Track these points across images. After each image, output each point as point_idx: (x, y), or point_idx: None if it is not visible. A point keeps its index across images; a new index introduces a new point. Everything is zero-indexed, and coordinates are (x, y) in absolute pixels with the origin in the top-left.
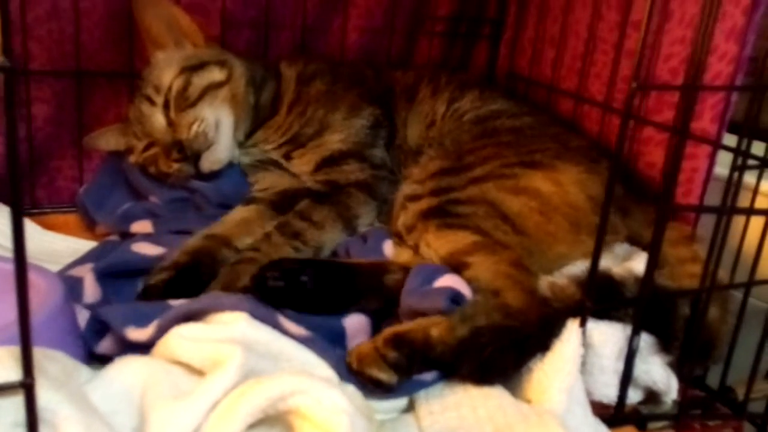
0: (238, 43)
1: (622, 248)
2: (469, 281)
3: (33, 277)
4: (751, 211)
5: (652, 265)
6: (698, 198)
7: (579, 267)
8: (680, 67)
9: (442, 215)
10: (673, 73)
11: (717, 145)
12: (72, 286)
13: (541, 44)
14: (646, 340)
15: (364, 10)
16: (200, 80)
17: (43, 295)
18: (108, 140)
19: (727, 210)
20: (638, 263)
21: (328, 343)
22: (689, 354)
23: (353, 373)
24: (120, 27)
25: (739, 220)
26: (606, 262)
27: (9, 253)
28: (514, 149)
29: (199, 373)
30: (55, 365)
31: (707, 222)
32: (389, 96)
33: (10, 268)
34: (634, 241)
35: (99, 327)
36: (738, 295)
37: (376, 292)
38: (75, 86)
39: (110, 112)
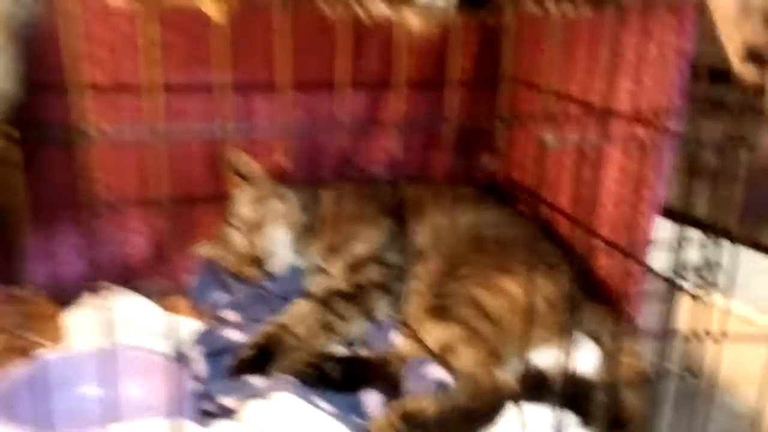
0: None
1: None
2: (454, 367)
3: (165, 362)
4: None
5: (566, 364)
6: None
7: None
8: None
9: (438, 310)
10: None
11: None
12: (189, 364)
13: (525, 158)
14: (572, 417)
15: (387, 134)
16: (266, 210)
17: (176, 375)
18: (207, 250)
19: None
20: (584, 355)
21: (350, 414)
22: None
23: None
24: (214, 164)
25: None
26: (556, 352)
27: (141, 337)
28: (495, 257)
29: None
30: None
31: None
32: (402, 208)
33: (154, 357)
34: (589, 333)
35: (206, 394)
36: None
37: (383, 378)
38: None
39: (207, 222)
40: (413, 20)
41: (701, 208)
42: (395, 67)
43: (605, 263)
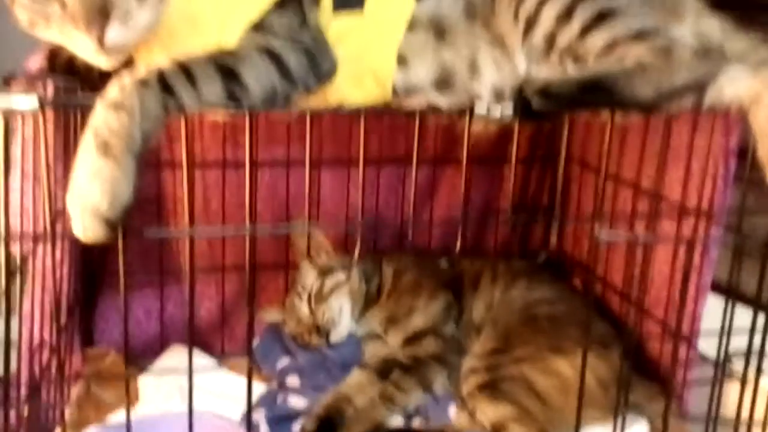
0: (355, 239)
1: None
2: None
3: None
4: None
5: None
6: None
7: None
8: None
9: (491, 389)
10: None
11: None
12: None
13: (579, 233)
14: None
15: (446, 205)
16: (330, 281)
17: None
18: (272, 315)
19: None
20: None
21: None
22: None
23: None
24: (281, 239)
25: None
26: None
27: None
28: (547, 335)
29: None
30: None
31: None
32: (460, 283)
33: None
34: (639, 412)
35: None
36: None
37: None
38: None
39: (273, 288)
40: (474, 126)
41: (750, 285)
42: (456, 145)
43: (656, 342)
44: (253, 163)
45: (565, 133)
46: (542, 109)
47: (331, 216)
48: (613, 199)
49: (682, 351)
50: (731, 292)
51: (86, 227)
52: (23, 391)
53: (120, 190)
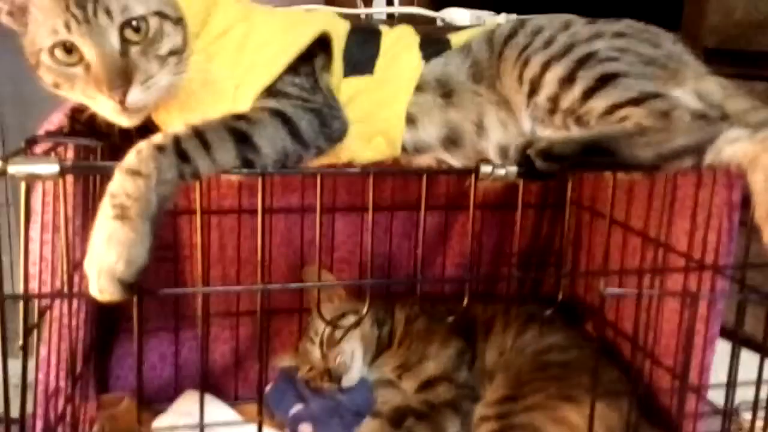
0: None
1: None
2: None
3: None
4: None
5: None
6: None
7: None
8: None
9: None
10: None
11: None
12: None
13: (591, 277)
14: None
15: (458, 250)
16: (341, 326)
17: None
18: (285, 360)
19: None
20: None
21: None
22: None
23: None
24: (295, 278)
25: None
26: None
27: None
28: (558, 383)
29: None
30: None
31: None
32: (472, 328)
33: None
34: None
35: None
36: None
37: None
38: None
39: (286, 334)
40: (480, 183)
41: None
42: (467, 195)
43: (666, 391)
44: (264, 221)
45: (569, 187)
46: (545, 170)
47: (344, 261)
48: (623, 247)
49: (691, 402)
50: (736, 344)
51: (102, 288)
52: None
53: (135, 253)
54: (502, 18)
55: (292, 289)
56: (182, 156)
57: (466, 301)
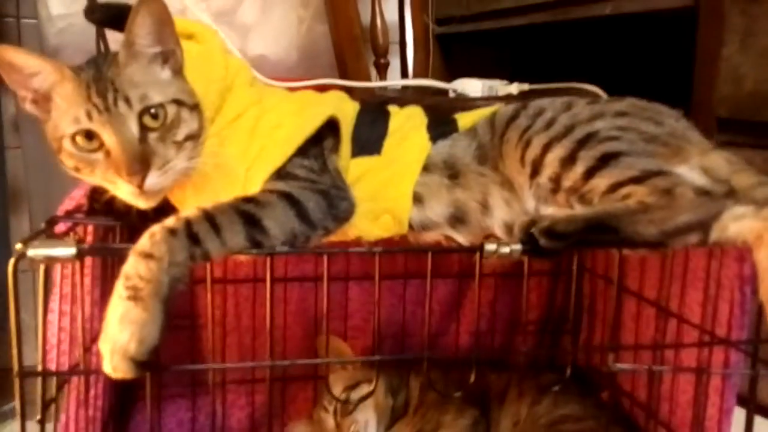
0: (383, 349)
1: None
2: None
3: None
4: None
5: None
6: None
7: None
8: None
9: None
10: None
11: None
12: None
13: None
14: None
15: (472, 318)
16: (355, 395)
17: None
18: (300, 429)
19: None
20: None
21: None
22: None
23: None
24: (310, 346)
25: None
26: None
27: None
28: None
29: None
30: None
31: None
32: (486, 396)
33: None
34: None
35: None
36: None
37: None
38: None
39: (301, 399)
40: (486, 261)
41: None
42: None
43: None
44: (276, 294)
45: (575, 261)
46: (550, 248)
47: (358, 329)
48: (637, 316)
49: None
50: (750, 413)
51: (115, 367)
52: None
53: (147, 332)
54: (514, 88)
55: (309, 349)
56: (193, 239)
57: (473, 377)
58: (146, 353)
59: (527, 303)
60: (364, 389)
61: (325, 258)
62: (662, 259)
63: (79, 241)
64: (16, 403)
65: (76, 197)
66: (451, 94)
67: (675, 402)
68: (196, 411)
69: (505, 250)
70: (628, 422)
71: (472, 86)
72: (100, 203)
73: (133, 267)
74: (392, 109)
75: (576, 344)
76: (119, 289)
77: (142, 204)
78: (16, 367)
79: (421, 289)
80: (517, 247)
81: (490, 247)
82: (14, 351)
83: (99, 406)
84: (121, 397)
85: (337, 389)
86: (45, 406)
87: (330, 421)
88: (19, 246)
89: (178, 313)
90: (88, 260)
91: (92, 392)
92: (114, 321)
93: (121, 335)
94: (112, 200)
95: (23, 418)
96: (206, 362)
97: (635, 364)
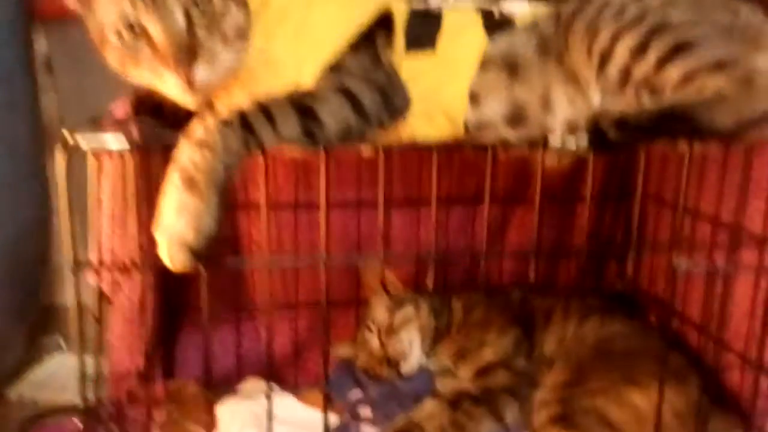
0: (425, 277)
1: None
2: None
3: None
4: None
5: None
6: None
7: None
8: None
9: (564, 420)
10: None
11: None
12: None
13: (656, 270)
14: None
15: (516, 245)
16: (400, 316)
17: None
18: (344, 350)
19: None
20: None
21: None
22: None
23: None
24: (352, 272)
25: None
26: None
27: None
28: (621, 369)
29: None
30: None
31: None
32: (531, 318)
33: None
34: None
35: None
36: None
37: None
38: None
39: (343, 326)
40: (548, 158)
41: None
42: (527, 182)
43: (735, 375)
44: (327, 196)
45: (642, 164)
46: (619, 141)
47: (401, 257)
48: (692, 232)
49: (763, 382)
50: None
51: (173, 256)
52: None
53: (204, 221)
54: None
55: (350, 275)
56: (248, 128)
57: (533, 275)
58: (204, 242)
59: (572, 230)
60: (409, 311)
61: (380, 151)
62: (722, 170)
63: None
64: (71, 301)
65: (118, 111)
66: (497, 16)
67: (729, 316)
68: (240, 336)
69: (571, 144)
70: (677, 341)
71: (519, 6)
72: (144, 109)
73: (188, 156)
74: (445, 8)
75: (624, 269)
76: (173, 179)
77: (190, 101)
78: (71, 259)
79: (464, 217)
80: (584, 140)
81: (555, 140)
82: (67, 243)
83: (148, 324)
84: (168, 321)
85: (381, 312)
86: (101, 302)
87: (375, 342)
88: (66, 135)
89: (219, 239)
90: (130, 171)
91: (143, 308)
92: (170, 210)
93: (178, 224)
94: (158, 105)
95: (80, 313)
96: (249, 287)
97: (699, 264)
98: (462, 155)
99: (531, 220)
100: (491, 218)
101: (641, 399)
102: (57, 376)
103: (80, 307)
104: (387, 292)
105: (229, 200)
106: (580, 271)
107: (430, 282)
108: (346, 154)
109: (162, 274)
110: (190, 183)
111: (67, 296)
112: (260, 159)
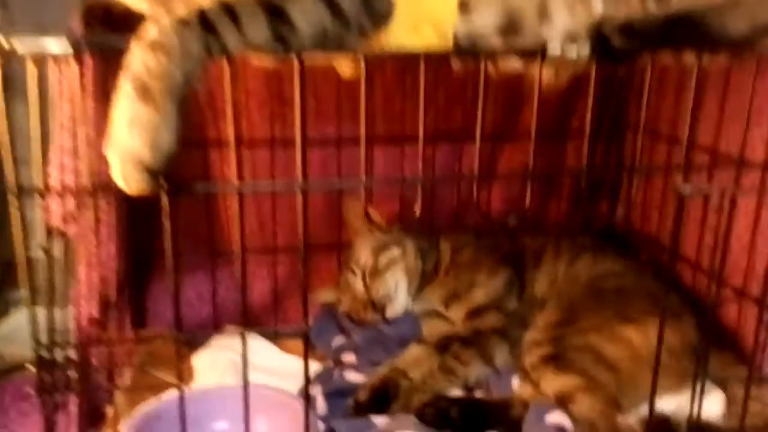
0: (411, 217)
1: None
2: (572, 414)
3: (293, 402)
4: None
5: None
6: None
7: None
8: None
9: (556, 360)
10: None
11: None
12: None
13: (649, 206)
14: None
15: (504, 184)
16: (384, 257)
17: (304, 413)
18: (326, 295)
19: None
20: (709, 401)
21: None
22: None
23: None
24: (333, 213)
25: None
26: (681, 400)
27: (264, 377)
28: (615, 306)
29: None
30: None
31: None
32: (521, 258)
33: (282, 396)
34: (714, 379)
35: None
36: None
37: (504, 422)
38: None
39: (325, 269)
40: (545, 73)
41: None
42: (516, 118)
43: (732, 310)
44: (304, 131)
45: (647, 86)
46: (623, 48)
47: (384, 197)
48: (689, 163)
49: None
50: None
51: (127, 177)
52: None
53: (161, 135)
54: None
55: (331, 217)
56: (208, 29)
57: (528, 201)
58: (161, 160)
59: (562, 168)
60: (394, 252)
61: (362, 61)
62: (721, 99)
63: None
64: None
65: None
66: None
67: (729, 251)
68: (216, 283)
69: (572, 52)
70: (671, 280)
71: None
72: (95, 19)
73: (140, 61)
74: None
75: (615, 207)
76: (125, 88)
77: (143, 3)
78: (13, 184)
79: (450, 154)
80: (585, 49)
81: (555, 48)
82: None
83: (112, 267)
84: (137, 268)
85: (365, 252)
86: (49, 233)
87: (358, 285)
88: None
89: (191, 179)
90: (89, 79)
91: (104, 251)
92: (121, 124)
93: (131, 139)
94: (109, 13)
95: (26, 238)
96: (223, 232)
97: (704, 187)
98: (448, 83)
99: (520, 158)
100: (479, 157)
101: (636, 335)
102: (24, 329)
103: (26, 240)
104: (372, 225)
105: (188, 111)
106: (572, 209)
107: (417, 209)
108: (323, 70)
109: (126, 210)
110: (143, 91)
111: (35, 248)
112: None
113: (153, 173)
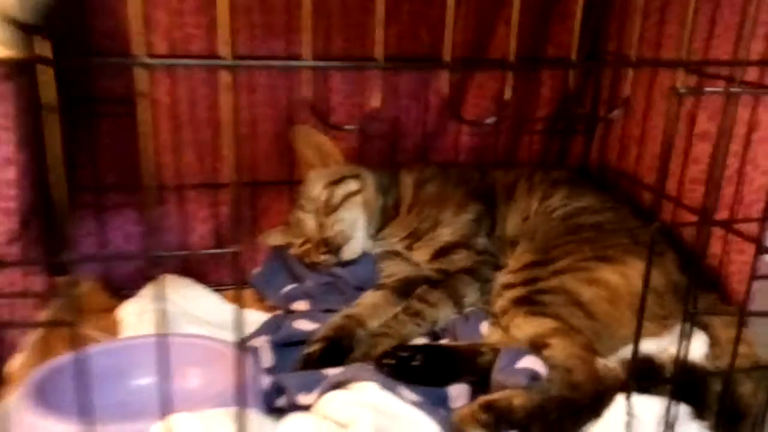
0: (370, 152)
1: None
2: (547, 359)
3: (227, 351)
4: None
5: (678, 352)
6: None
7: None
8: None
9: (529, 303)
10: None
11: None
12: (254, 354)
13: (627, 141)
14: (684, 409)
15: (474, 116)
16: (340, 191)
17: (239, 364)
18: (275, 238)
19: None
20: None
21: (435, 406)
22: (721, 424)
23: (455, 429)
24: (283, 145)
25: None
26: (663, 343)
27: (205, 329)
28: (591, 244)
29: (344, 427)
30: (253, 421)
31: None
32: (491, 193)
33: (215, 346)
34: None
35: (277, 387)
36: None
37: (472, 370)
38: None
39: (275, 211)
40: None
41: None
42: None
43: (717, 249)
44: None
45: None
46: None
47: (336, 122)
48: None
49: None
50: None
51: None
52: None
53: None
54: None
55: (281, 151)
56: None
57: (509, 94)
58: (34, 12)
59: (536, 100)
60: (351, 185)
61: None
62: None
63: None
64: None
65: None
66: None
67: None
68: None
69: None
70: (648, 215)
71: None
72: None
73: None
74: None
75: (590, 145)
76: None
77: None
78: None
79: (416, 81)
80: None
81: None
82: None
83: (12, 196)
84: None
85: (319, 186)
86: None
87: (310, 222)
88: None
89: (113, 98)
90: None
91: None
92: None
93: None
94: None
95: None
96: (157, 165)
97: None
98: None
99: (489, 88)
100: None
101: (613, 275)
102: None
103: None
104: (325, 156)
105: None
106: (543, 148)
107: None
108: None
109: (28, 125)
110: None
111: None
112: None
113: (25, 29)
